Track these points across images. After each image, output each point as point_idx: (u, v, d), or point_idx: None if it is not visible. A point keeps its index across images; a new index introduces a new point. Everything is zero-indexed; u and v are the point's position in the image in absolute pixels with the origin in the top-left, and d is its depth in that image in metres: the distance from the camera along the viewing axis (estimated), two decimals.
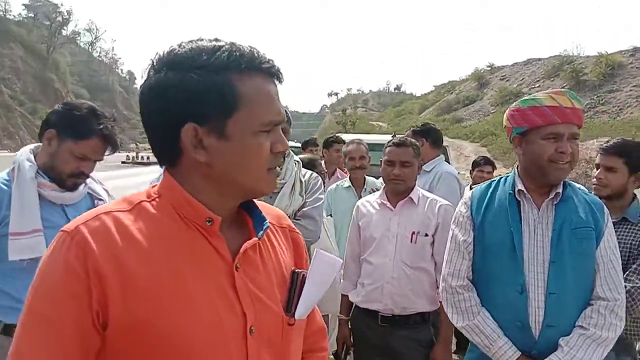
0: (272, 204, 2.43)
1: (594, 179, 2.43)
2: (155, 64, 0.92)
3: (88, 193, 2.08)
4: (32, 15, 54.88)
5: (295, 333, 1.03)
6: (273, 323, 0.97)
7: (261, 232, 1.00)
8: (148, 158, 35.69)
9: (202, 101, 0.88)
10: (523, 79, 38.70)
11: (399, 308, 2.54)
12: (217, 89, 0.88)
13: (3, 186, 1.88)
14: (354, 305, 2.75)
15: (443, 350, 2.51)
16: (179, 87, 0.87)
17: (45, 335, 0.84)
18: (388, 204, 2.67)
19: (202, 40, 0.93)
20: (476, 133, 30.95)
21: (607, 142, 2.48)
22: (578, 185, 2.32)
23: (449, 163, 6.70)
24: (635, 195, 2.41)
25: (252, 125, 0.91)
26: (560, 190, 1.84)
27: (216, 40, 0.93)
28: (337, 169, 4.76)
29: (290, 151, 2.70)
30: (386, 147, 2.70)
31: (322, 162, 4.71)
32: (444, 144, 7.62)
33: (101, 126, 1.91)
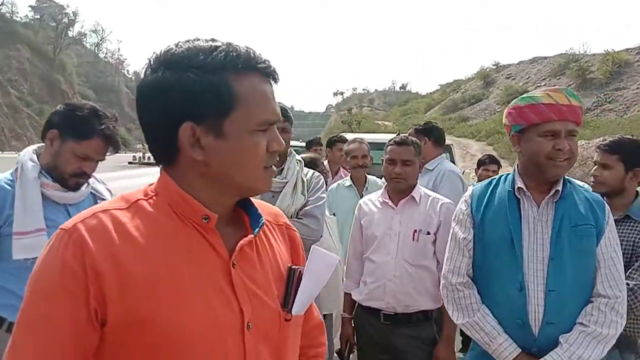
0: (275, 203, 2.46)
1: (591, 177, 2.43)
2: (152, 63, 0.93)
3: (91, 193, 2.09)
4: (39, 17, 55.22)
5: (293, 329, 1.03)
6: (270, 319, 0.98)
7: (257, 228, 1.01)
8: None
9: (200, 101, 0.89)
10: (529, 77, 38.54)
11: (402, 306, 2.54)
12: (214, 89, 0.89)
13: (6, 186, 1.90)
14: (356, 304, 2.75)
15: (446, 348, 2.51)
16: (176, 87, 0.88)
17: (41, 332, 0.85)
18: (390, 203, 2.67)
19: (198, 40, 0.94)
20: (482, 132, 30.86)
21: (604, 139, 2.49)
22: (581, 183, 2.32)
23: (453, 162, 6.72)
24: (638, 192, 2.40)
25: (248, 125, 0.92)
26: (560, 187, 1.84)
27: (213, 40, 0.94)
28: (341, 168, 4.76)
29: (292, 150, 2.71)
30: (387, 146, 2.71)
31: (326, 161, 4.72)
32: (449, 142, 7.65)
33: (103, 126, 1.92)
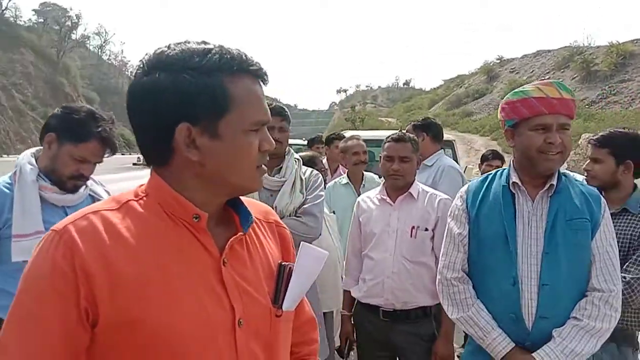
0: (273, 202, 2.48)
1: (584, 171, 2.43)
2: (145, 65, 0.94)
3: (89, 195, 2.11)
4: (42, 21, 55.40)
5: (283, 324, 1.05)
6: (261, 315, 1.00)
7: (247, 226, 1.03)
8: None
9: (195, 102, 0.90)
10: (533, 71, 38.34)
11: (400, 303, 2.55)
12: (210, 91, 0.91)
13: (5, 189, 1.93)
14: (356, 301, 2.76)
15: (444, 343, 2.51)
16: (171, 88, 0.90)
17: (31, 332, 0.86)
18: (388, 199, 2.68)
19: (189, 42, 0.96)
20: (486, 127, 30.72)
21: (596, 134, 2.48)
22: (579, 177, 2.32)
23: (456, 157, 6.70)
24: (636, 185, 2.39)
25: (242, 125, 0.94)
26: (554, 181, 1.84)
27: (205, 42, 0.96)
28: (340, 165, 4.77)
29: (291, 149, 2.72)
30: (385, 143, 2.71)
31: (324, 159, 4.72)
32: (452, 138, 7.62)
33: (100, 129, 1.94)
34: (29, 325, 0.86)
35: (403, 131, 2.93)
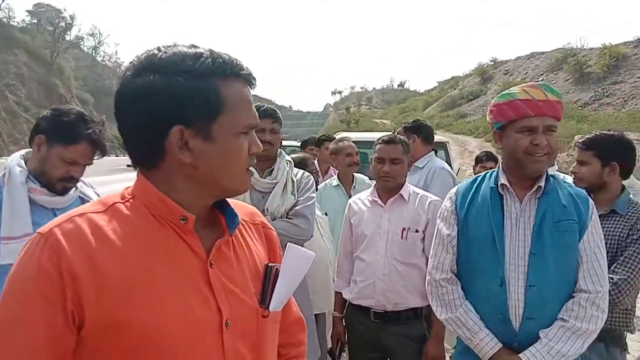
0: (264, 204, 2.48)
1: (571, 173, 2.46)
2: (136, 67, 0.94)
3: (79, 197, 2.11)
4: (36, 22, 55.14)
5: (270, 325, 1.06)
6: (248, 316, 1.01)
7: (233, 228, 1.03)
8: None
9: (190, 105, 0.91)
10: (527, 72, 38.45)
11: (391, 304, 2.56)
12: (204, 94, 0.92)
13: None
14: (347, 303, 2.77)
15: (435, 345, 2.52)
16: (165, 91, 0.90)
17: (16, 335, 0.86)
18: (379, 201, 2.69)
19: (179, 45, 0.96)
20: (480, 128, 30.76)
21: (582, 137, 2.51)
22: (570, 179, 2.34)
23: (449, 159, 6.72)
24: (624, 187, 2.42)
25: (234, 128, 0.96)
26: (542, 183, 1.86)
27: (194, 46, 0.97)
28: (331, 167, 4.77)
29: (282, 151, 2.73)
30: (376, 145, 2.73)
31: (315, 160, 4.73)
32: (445, 140, 7.65)
33: (89, 131, 1.94)
34: (14, 328, 0.86)
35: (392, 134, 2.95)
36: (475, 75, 46.61)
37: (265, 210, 2.48)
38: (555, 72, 34.06)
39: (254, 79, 1.01)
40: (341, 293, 2.80)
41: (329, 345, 3.04)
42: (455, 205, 1.99)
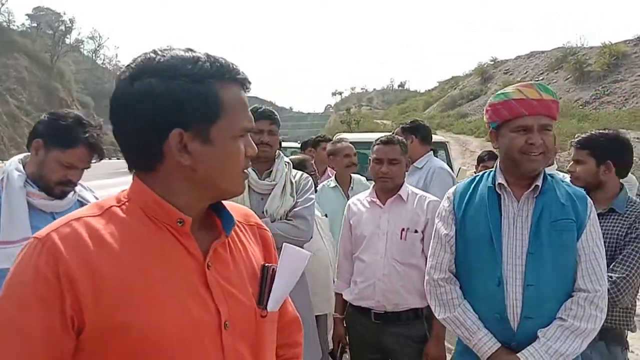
0: (263, 206, 2.49)
1: (568, 172, 2.46)
2: (133, 71, 0.95)
3: (78, 200, 2.11)
4: (35, 25, 55.12)
5: (269, 325, 1.07)
6: (246, 316, 1.02)
7: (229, 229, 1.05)
8: None
9: (189, 108, 0.93)
10: (527, 72, 38.42)
11: (391, 305, 2.56)
12: (203, 97, 0.93)
13: None
14: (347, 304, 2.77)
15: (435, 345, 2.52)
16: (165, 94, 0.91)
17: (13, 340, 0.86)
18: (378, 202, 2.69)
19: (175, 49, 0.97)
20: (481, 128, 30.69)
21: (578, 136, 2.52)
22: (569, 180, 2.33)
23: (449, 159, 6.73)
24: (622, 185, 2.42)
25: (232, 131, 0.98)
26: (540, 182, 1.86)
27: (191, 50, 0.98)
28: (328, 167, 4.77)
29: (280, 153, 2.73)
30: (374, 146, 2.73)
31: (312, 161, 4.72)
32: (445, 140, 7.65)
33: (87, 134, 1.94)
34: (11, 333, 0.86)
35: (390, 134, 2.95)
36: (475, 75, 46.58)
37: (265, 212, 2.49)
38: (556, 71, 34.02)
39: (249, 82, 1.03)
40: (341, 294, 2.80)
41: (330, 346, 3.04)
42: (453, 205, 2.00)
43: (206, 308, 0.96)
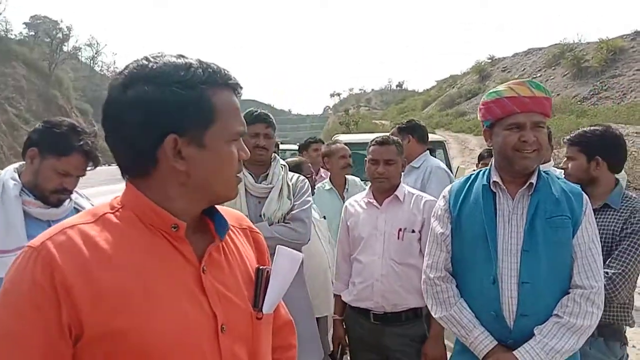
0: (261, 209, 2.49)
1: (561, 169, 2.47)
2: (126, 78, 0.95)
3: (74, 208, 2.11)
4: (33, 34, 55.14)
5: (264, 327, 1.08)
6: (242, 319, 1.03)
7: (223, 234, 1.05)
8: None
9: (183, 114, 0.94)
10: (524, 69, 38.44)
11: (390, 305, 2.56)
12: (196, 103, 0.94)
13: None
14: (347, 305, 2.77)
15: (434, 345, 2.52)
16: (160, 101, 0.92)
17: (10, 350, 0.86)
18: (374, 203, 2.69)
19: (167, 55, 0.98)
20: (479, 126, 30.68)
21: (571, 133, 2.52)
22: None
23: (447, 158, 6.73)
24: (618, 181, 2.42)
25: (225, 136, 0.99)
26: (534, 180, 1.86)
27: (182, 56, 0.99)
28: (321, 168, 4.78)
29: (277, 156, 2.74)
30: (370, 146, 2.73)
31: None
32: (442, 138, 7.64)
33: (82, 142, 1.95)
34: (7, 342, 0.86)
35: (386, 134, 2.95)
36: (473, 74, 46.62)
37: (262, 215, 2.49)
38: (553, 68, 34.03)
39: (241, 87, 1.04)
40: (340, 296, 2.80)
41: (330, 348, 3.04)
42: (448, 204, 2.00)
43: (203, 312, 0.96)
